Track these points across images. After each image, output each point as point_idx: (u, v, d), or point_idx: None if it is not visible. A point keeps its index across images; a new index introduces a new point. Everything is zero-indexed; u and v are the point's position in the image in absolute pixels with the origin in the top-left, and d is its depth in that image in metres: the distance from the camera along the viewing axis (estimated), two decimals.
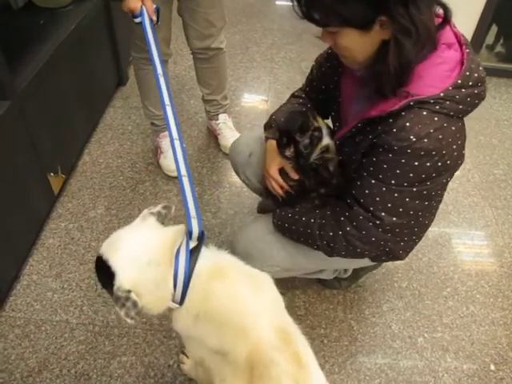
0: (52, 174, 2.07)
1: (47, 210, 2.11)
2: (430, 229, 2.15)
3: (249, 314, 1.07)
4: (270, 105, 2.86)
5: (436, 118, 1.05)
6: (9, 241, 1.79)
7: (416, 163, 1.09)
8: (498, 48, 3.44)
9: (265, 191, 1.60)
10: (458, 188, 2.44)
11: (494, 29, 3.34)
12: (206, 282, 1.08)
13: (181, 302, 1.08)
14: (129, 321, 1.00)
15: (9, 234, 1.79)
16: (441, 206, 2.27)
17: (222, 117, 2.52)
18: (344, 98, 1.35)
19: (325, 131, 1.34)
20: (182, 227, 1.14)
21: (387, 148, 1.10)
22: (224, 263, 1.14)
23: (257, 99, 2.97)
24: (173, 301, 1.08)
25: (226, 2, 2.12)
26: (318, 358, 1.67)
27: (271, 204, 1.59)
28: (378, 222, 1.20)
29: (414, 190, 1.14)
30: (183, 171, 1.20)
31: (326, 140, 1.33)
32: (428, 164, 1.08)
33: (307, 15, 1.03)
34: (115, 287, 1.02)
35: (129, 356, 1.68)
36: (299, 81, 1.77)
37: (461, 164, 1.20)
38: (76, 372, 1.63)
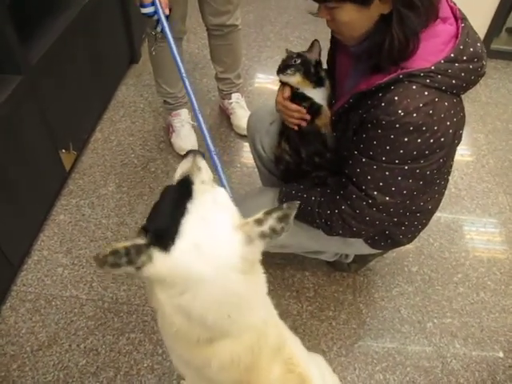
0: (64, 151, 2.07)
1: (58, 186, 2.12)
2: (442, 214, 2.18)
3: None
4: None
5: (426, 93, 1.02)
6: (20, 216, 1.80)
7: (406, 139, 1.06)
8: None
9: (275, 160, 1.59)
10: (472, 173, 2.40)
11: None
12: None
13: None
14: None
15: (20, 209, 1.79)
16: (454, 190, 2.30)
17: (235, 96, 2.49)
18: (339, 74, 1.34)
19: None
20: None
21: (376, 123, 1.08)
22: None
23: (270, 79, 2.92)
24: None
25: None
26: (326, 340, 1.71)
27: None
28: (370, 201, 1.18)
29: (406, 168, 1.11)
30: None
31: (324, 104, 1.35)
32: (419, 140, 1.05)
33: None
34: (149, 266, 0.74)
35: (137, 333, 1.69)
36: None
37: (457, 144, 1.17)
38: (85, 347, 1.65)
